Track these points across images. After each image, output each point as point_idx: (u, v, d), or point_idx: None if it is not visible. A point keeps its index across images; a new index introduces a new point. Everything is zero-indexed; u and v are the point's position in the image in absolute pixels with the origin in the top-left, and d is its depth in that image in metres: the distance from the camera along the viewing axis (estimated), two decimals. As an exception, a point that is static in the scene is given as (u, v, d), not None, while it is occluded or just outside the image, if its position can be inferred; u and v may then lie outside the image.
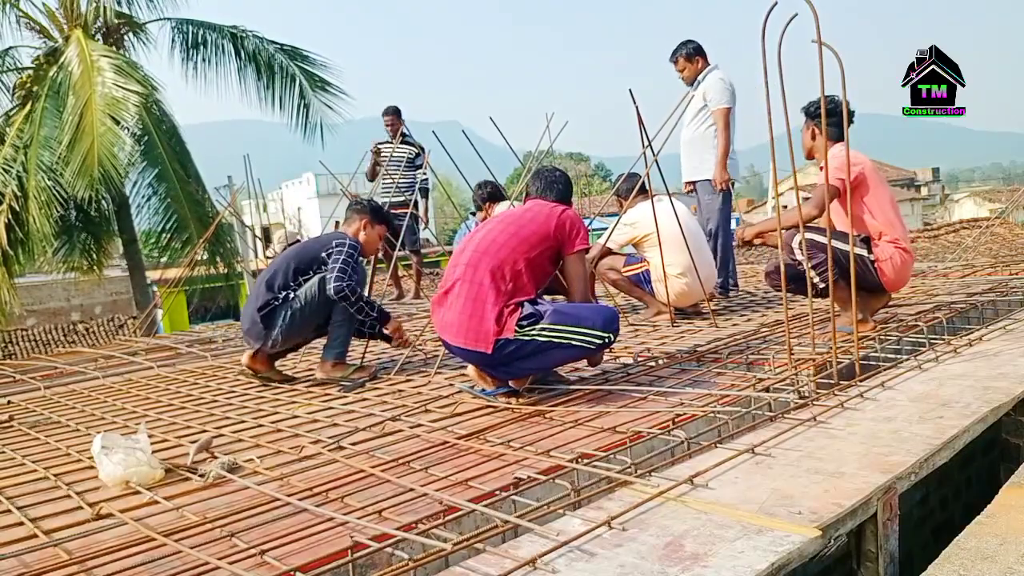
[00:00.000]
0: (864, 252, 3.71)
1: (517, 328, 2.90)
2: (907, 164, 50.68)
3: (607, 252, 4.85)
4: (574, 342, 2.92)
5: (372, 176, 7.34)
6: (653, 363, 3.54)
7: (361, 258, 3.87)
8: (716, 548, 1.54)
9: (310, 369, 4.28)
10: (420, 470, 2.26)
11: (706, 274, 4.69)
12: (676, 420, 2.50)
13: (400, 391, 3.47)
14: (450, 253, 3.77)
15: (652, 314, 4.88)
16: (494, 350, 2.90)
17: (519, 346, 2.90)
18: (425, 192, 7.51)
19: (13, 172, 10.40)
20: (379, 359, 4.32)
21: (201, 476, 2.34)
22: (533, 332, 2.90)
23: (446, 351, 3.59)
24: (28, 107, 11.13)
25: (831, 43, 2.86)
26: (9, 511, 2.21)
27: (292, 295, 3.68)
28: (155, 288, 14.47)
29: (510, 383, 3.08)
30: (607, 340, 2.96)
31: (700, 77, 5.46)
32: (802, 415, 2.44)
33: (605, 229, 5.07)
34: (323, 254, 3.72)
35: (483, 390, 3.11)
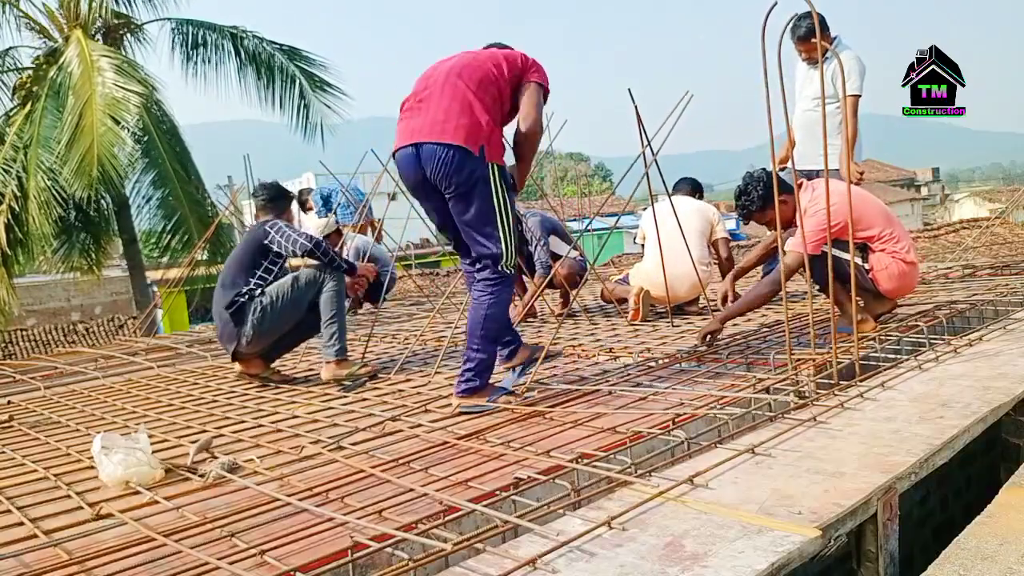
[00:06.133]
0: (859, 261, 3.69)
1: (497, 167, 2.86)
2: (907, 164, 50.64)
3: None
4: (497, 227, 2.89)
5: None
6: (653, 363, 3.54)
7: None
8: (716, 548, 1.54)
9: (310, 369, 4.28)
10: (420, 470, 2.26)
11: (678, 272, 4.86)
12: (676, 420, 2.50)
13: (400, 391, 3.47)
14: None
15: (633, 299, 5.02)
16: (480, 153, 2.81)
17: (485, 180, 2.84)
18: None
19: (13, 172, 10.40)
20: (379, 359, 4.32)
21: (201, 476, 2.34)
22: (499, 188, 2.88)
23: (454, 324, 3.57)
24: (28, 107, 11.13)
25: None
26: (9, 511, 2.21)
27: (260, 291, 3.73)
28: (155, 288, 14.47)
29: (509, 386, 3.07)
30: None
31: (828, 54, 4.81)
32: (802, 415, 2.44)
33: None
34: (265, 241, 3.79)
35: (488, 400, 3.00)
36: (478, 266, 2.98)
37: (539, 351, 3.25)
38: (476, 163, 2.84)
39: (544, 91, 3.03)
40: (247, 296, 3.71)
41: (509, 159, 3.10)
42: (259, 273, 3.78)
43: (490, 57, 3.01)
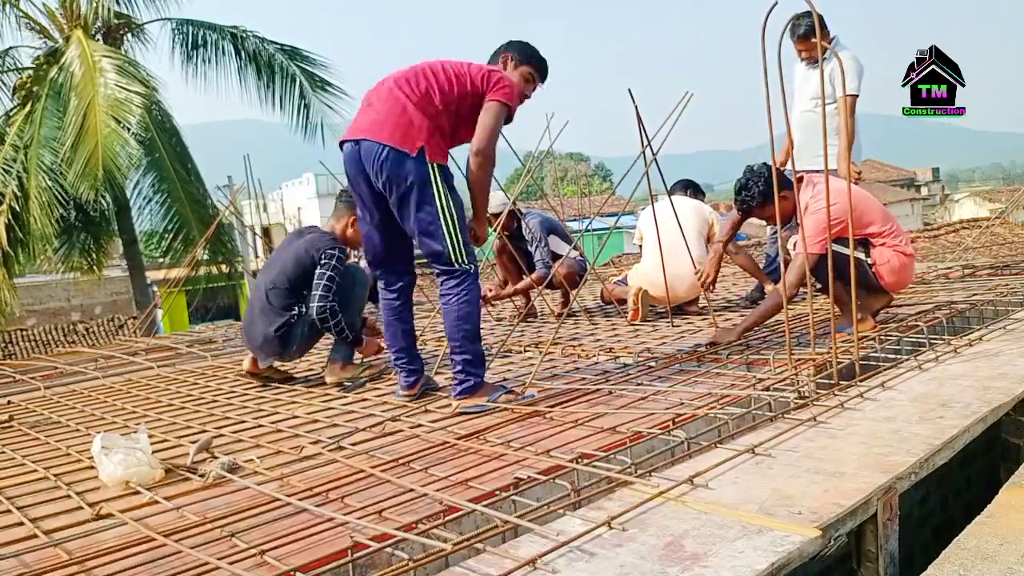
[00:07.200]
0: (862, 255, 3.71)
1: (438, 167, 2.87)
2: (907, 164, 50.64)
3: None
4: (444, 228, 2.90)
5: None
6: (653, 363, 3.54)
7: (345, 258, 3.80)
8: (716, 548, 1.54)
9: (310, 369, 4.28)
10: (420, 470, 2.26)
11: (678, 272, 4.86)
12: (676, 420, 2.50)
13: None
14: None
15: (632, 299, 5.05)
16: (418, 155, 2.83)
17: (425, 182, 2.85)
18: None
19: (13, 172, 10.41)
20: (380, 359, 4.32)
21: (201, 476, 2.34)
22: (440, 187, 2.88)
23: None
24: (28, 107, 11.14)
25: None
26: (9, 511, 2.21)
27: (305, 310, 3.65)
28: (155, 288, 14.47)
29: (505, 384, 3.06)
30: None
31: (827, 54, 4.66)
32: (802, 415, 2.44)
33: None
34: (316, 258, 3.66)
35: (488, 400, 3.01)
36: (437, 270, 3.00)
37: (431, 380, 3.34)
38: (414, 164, 2.86)
39: (507, 109, 2.96)
40: (296, 318, 3.65)
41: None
42: (306, 292, 3.67)
43: (442, 71, 2.99)
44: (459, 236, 2.93)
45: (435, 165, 2.89)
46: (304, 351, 3.83)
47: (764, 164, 3.82)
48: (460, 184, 3.07)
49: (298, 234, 3.90)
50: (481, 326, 3.06)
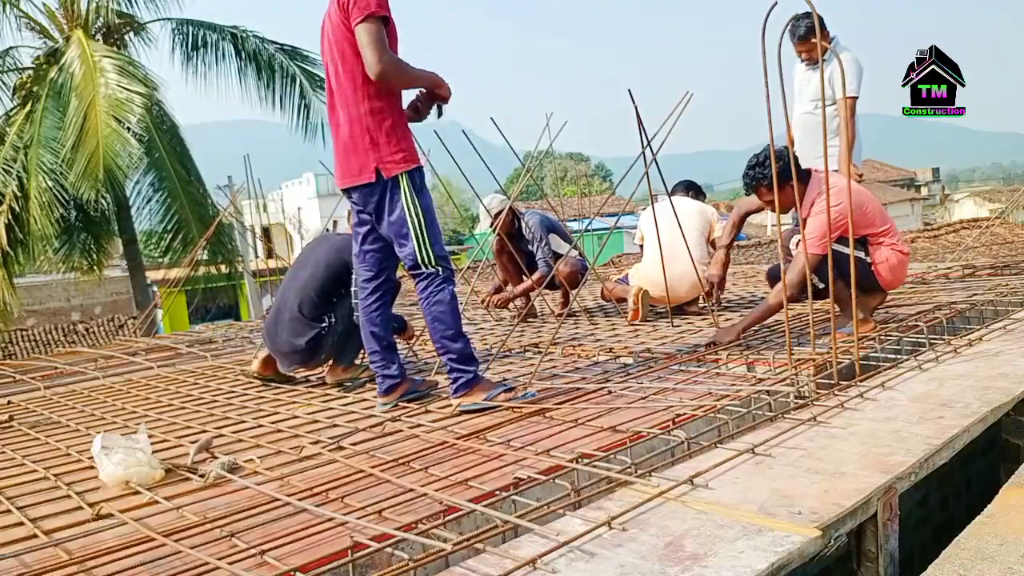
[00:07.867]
0: (862, 255, 3.72)
1: (403, 175, 2.88)
2: (907, 164, 50.67)
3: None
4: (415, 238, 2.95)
5: None
6: (653, 363, 3.54)
7: None
8: (716, 548, 1.54)
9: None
10: (420, 470, 2.26)
11: (678, 272, 4.86)
12: (676, 420, 2.50)
13: (400, 391, 3.46)
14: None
15: (632, 299, 5.05)
16: (377, 178, 2.90)
17: (394, 195, 2.90)
18: None
19: (13, 172, 10.40)
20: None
21: (201, 476, 2.34)
22: (407, 194, 2.90)
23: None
24: (28, 107, 11.13)
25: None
26: (9, 511, 2.21)
27: (334, 318, 3.63)
28: (155, 288, 14.47)
29: (506, 382, 3.06)
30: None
31: (826, 55, 4.55)
32: (802, 415, 2.44)
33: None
34: (348, 261, 3.59)
35: (485, 398, 3.03)
36: (413, 274, 3.04)
37: (421, 384, 3.30)
38: (380, 187, 2.94)
39: (375, 21, 2.74)
40: (327, 329, 3.62)
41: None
42: (335, 300, 3.65)
43: (340, 30, 2.86)
44: (426, 238, 2.95)
45: (398, 177, 2.91)
46: (330, 358, 3.76)
47: (784, 147, 3.79)
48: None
49: (326, 238, 3.90)
50: (463, 325, 3.06)
